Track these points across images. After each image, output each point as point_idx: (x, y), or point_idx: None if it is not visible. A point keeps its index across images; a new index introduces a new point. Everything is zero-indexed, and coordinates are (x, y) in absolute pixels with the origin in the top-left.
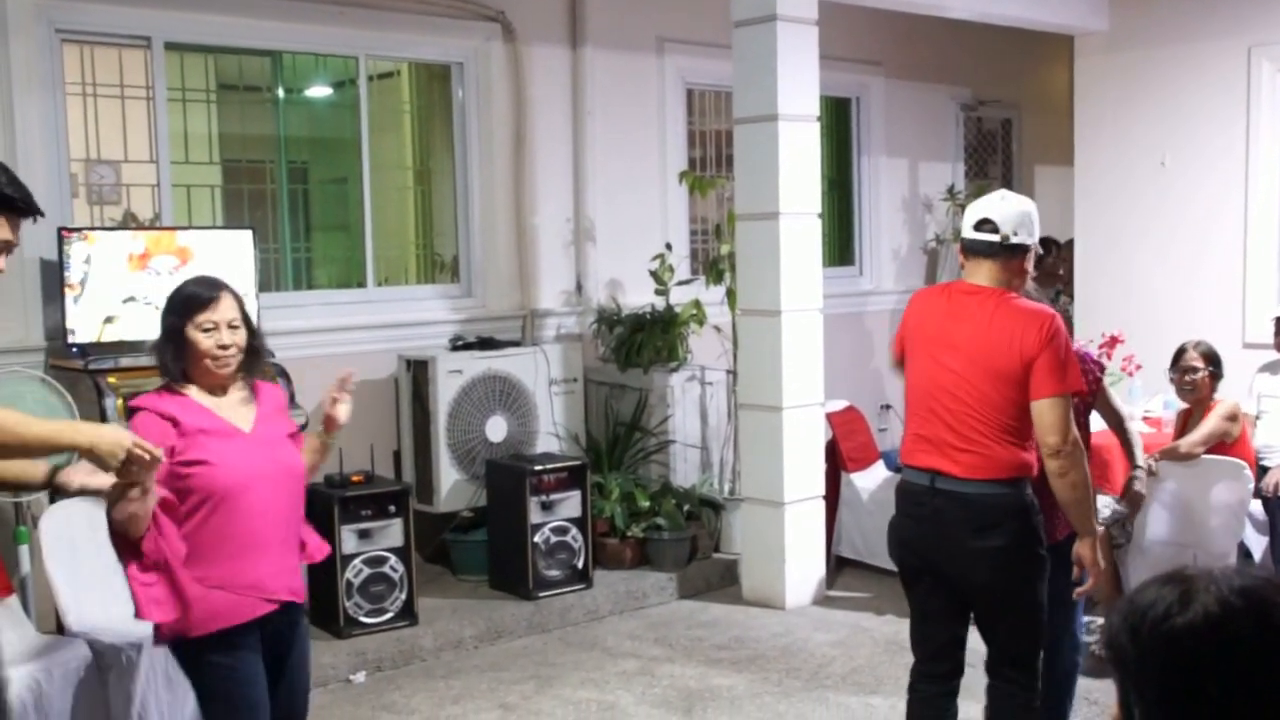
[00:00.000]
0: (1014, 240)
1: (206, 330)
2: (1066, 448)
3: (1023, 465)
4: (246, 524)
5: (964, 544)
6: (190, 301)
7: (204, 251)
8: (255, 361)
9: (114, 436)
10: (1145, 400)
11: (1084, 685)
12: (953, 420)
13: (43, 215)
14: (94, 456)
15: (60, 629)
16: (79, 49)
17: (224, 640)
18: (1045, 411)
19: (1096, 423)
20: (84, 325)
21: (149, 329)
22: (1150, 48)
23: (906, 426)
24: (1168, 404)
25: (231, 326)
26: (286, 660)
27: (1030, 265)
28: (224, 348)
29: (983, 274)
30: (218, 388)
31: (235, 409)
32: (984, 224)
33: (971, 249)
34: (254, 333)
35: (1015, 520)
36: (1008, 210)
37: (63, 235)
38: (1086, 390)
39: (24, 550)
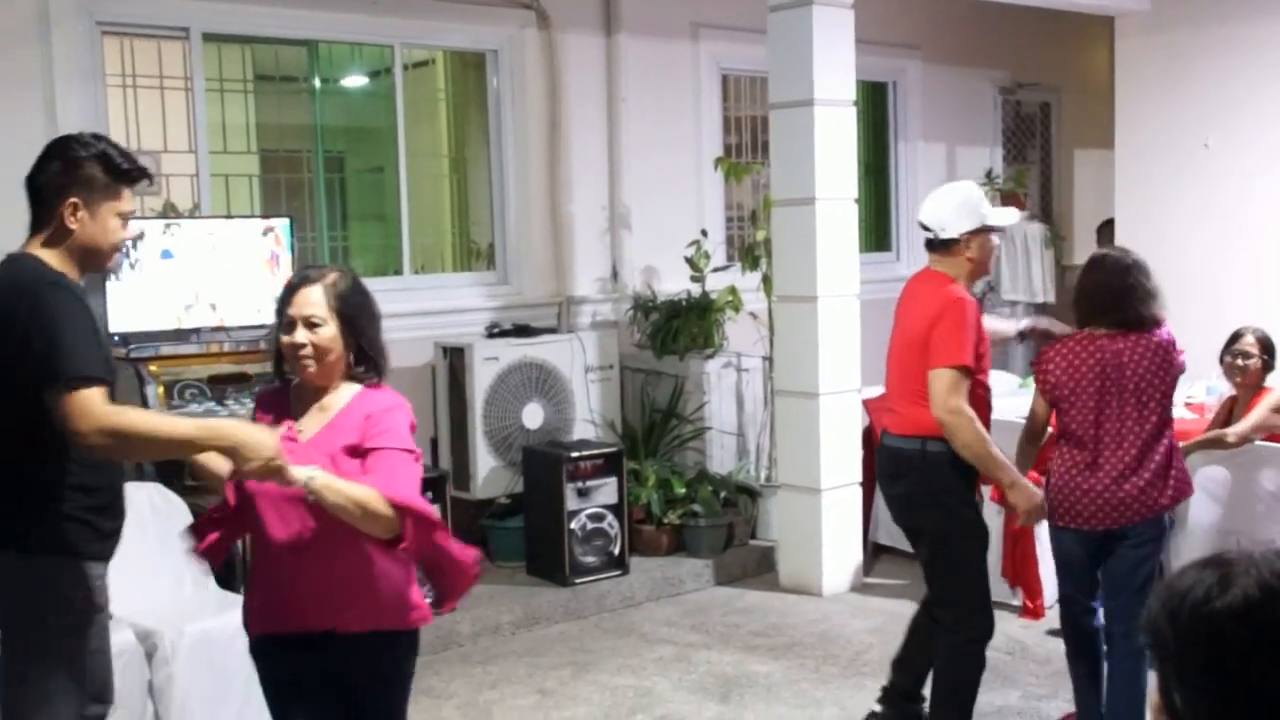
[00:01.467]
0: (944, 236)
1: (286, 326)
2: (945, 415)
3: (924, 422)
4: (265, 538)
5: (885, 491)
6: (282, 293)
7: (240, 240)
8: (363, 364)
9: (259, 439)
10: (1187, 386)
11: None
12: (889, 386)
13: (153, 180)
14: (232, 454)
15: None
16: (119, 41)
17: (260, 645)
18: (931, 381)
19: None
20: (124, 314)
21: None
22: (1192, 28)
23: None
24: (1210, 389)
25: (310, 324)
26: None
27: (970, 248)
28: (297, 347)
29: (932, 264)
30: (318, 388)
31: (314, 414)
32: (922, 225)
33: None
34: (358, 331)
35: (916, 472)
36: (935, 209)
37: None
38: (976, 369)
39: None
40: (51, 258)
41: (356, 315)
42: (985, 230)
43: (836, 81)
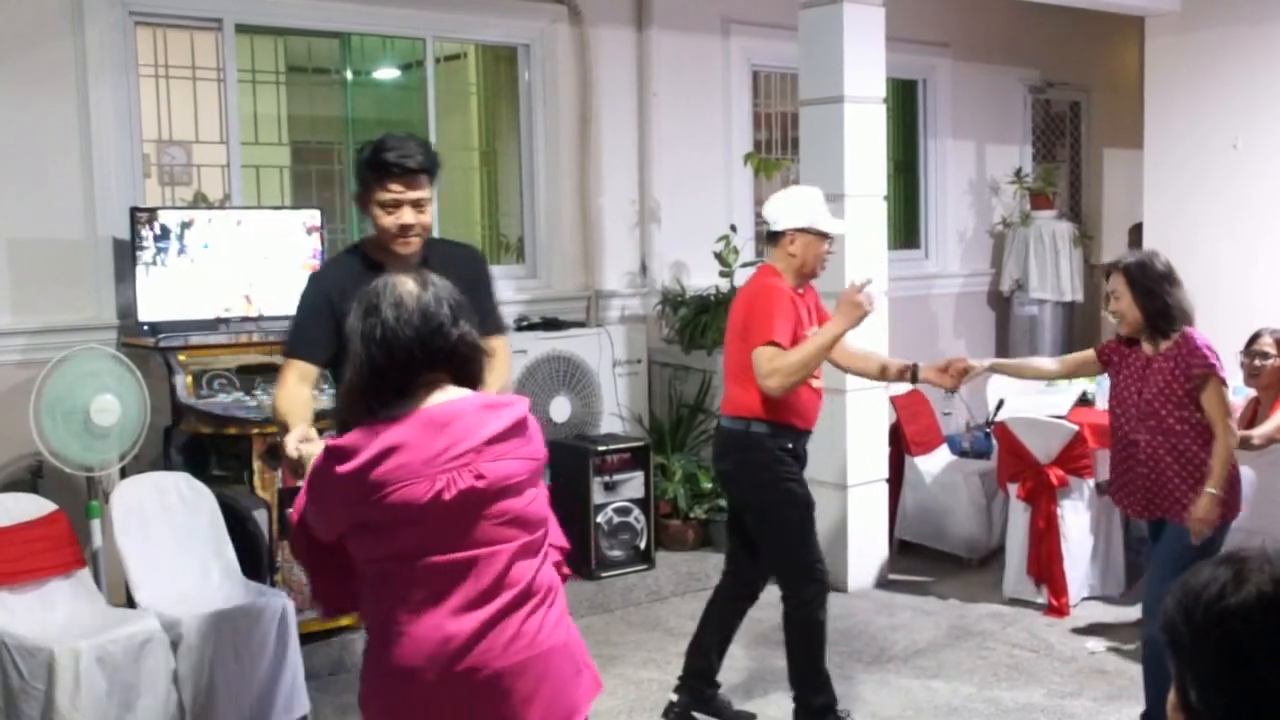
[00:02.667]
0: (772, 229)
1: None
2: (767, 381)
3: (747, 404)
4: None
5: (714, 469)
6: None
7: (272, 231)
8: None
9: None
10: None
11: None
12: (723, 372)
13: (403, 169)
14: None
15: (130, 602)
16: (152, 31)
17: None
18: (753, 360)
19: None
20: (153, 303)
21: (217, 306)
22: (1223, 27)
23: None
24: (1236, 390)
25: None
26: None
27: (794, 245)
28: None
29: (765, 256)
30: None
31: None
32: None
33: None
34: None
35: (740, 451)
36: (771, 203)
37: (135, 215)
38: (783, 343)
39: (95, 524)
40: (370, 244)
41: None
42: (810, 232)
43: (867, 78)
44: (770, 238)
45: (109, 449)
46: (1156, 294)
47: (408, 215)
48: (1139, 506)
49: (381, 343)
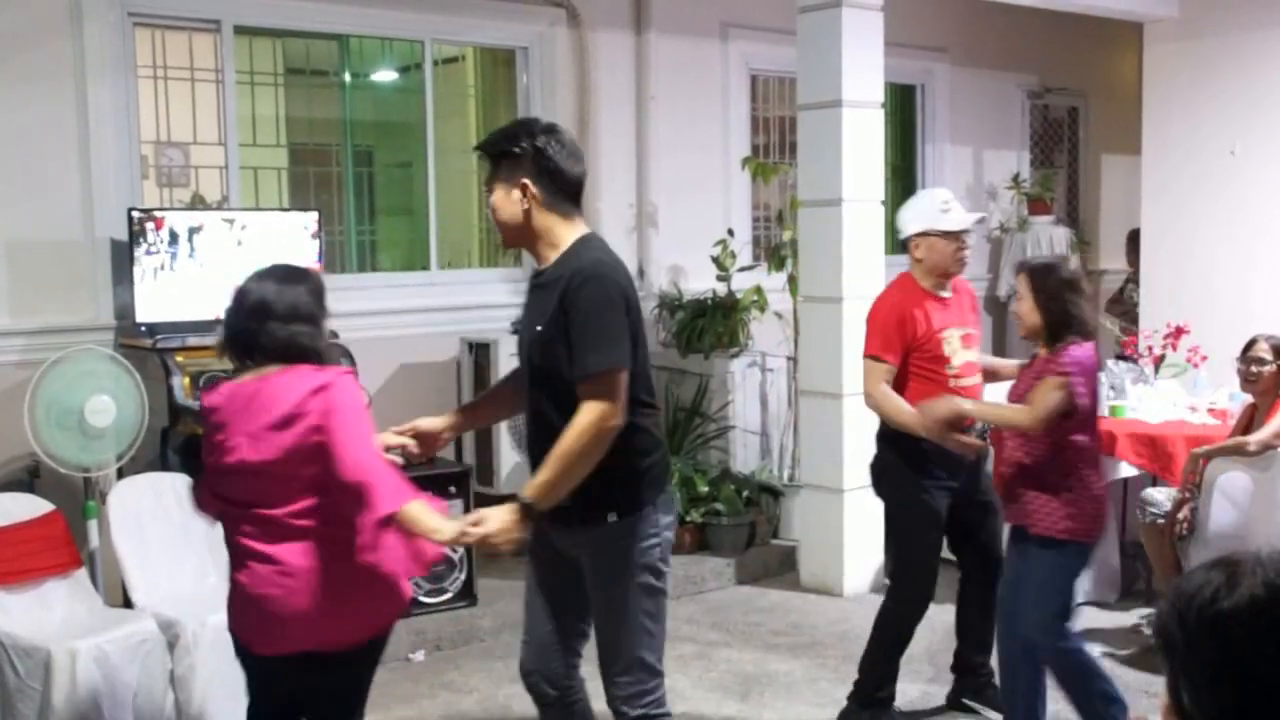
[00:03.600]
0: (900, 238)
1: None
2: (866, 401)
3: None
4: None
5: None
6: None
7: (270, 233)
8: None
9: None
10: (1211, 392)
11: (1142, 679)
12: None
13: (488, 150)
14: None
15: (127, 602)
16: (150, 32)
17: None
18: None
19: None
20: (151, 304)
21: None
22: (1221, 35)
23: None
24: (1233, 396)
25: None
26: None
27: (919, 250)
28: None
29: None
30: None
31: None
32: None
33: None
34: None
35: (876, 453)
36: (899, 215)
37: (133, 216)
38: (883, 356)
39: (92, 525)
40: None
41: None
42: (932, 234)
43: (865, 83)
44: (903, 247)
45: (104, 450)
46: (1058, 301)
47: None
48: (1006, 509)
49: None
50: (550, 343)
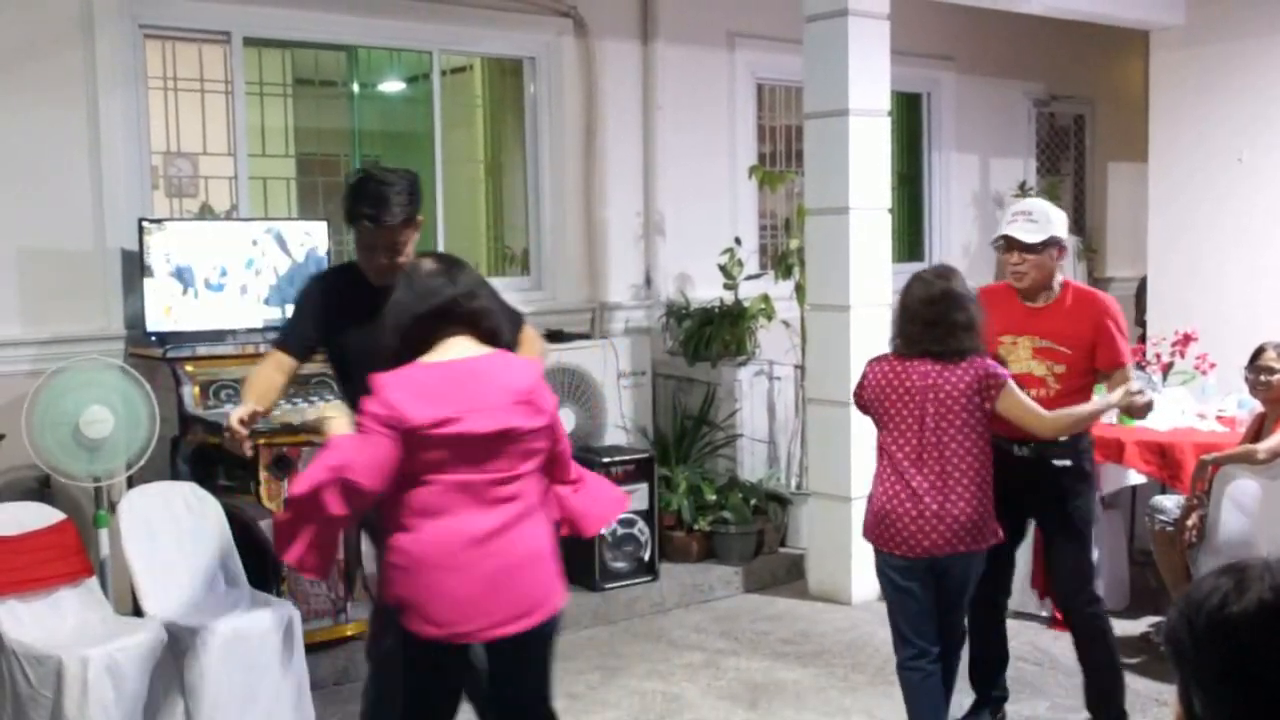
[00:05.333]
0: None
1: None
2: None
3: None
4: None
5: None
6: None
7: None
8: None
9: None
10: (1219, 399)
11: (1153, 687)
12: None
13: (400, 220)
14: None
15: (137, 611)
16: (161, 44)
17: None
18: None
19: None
20: (161, 314)
21: (225, 317)
22: (1228, 42)
23: None
24: (1242, 403)
25: None
26: None
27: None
28: None
29: None
30: None
31: None
32: None
33: None
34: None
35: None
36: None
37: (142, 225)
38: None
39: (103, 533)
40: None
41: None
42: (996, 247)
43: (871, 91)
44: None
45: (103, 461)
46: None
47: (382, 258)
48: None
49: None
50: None
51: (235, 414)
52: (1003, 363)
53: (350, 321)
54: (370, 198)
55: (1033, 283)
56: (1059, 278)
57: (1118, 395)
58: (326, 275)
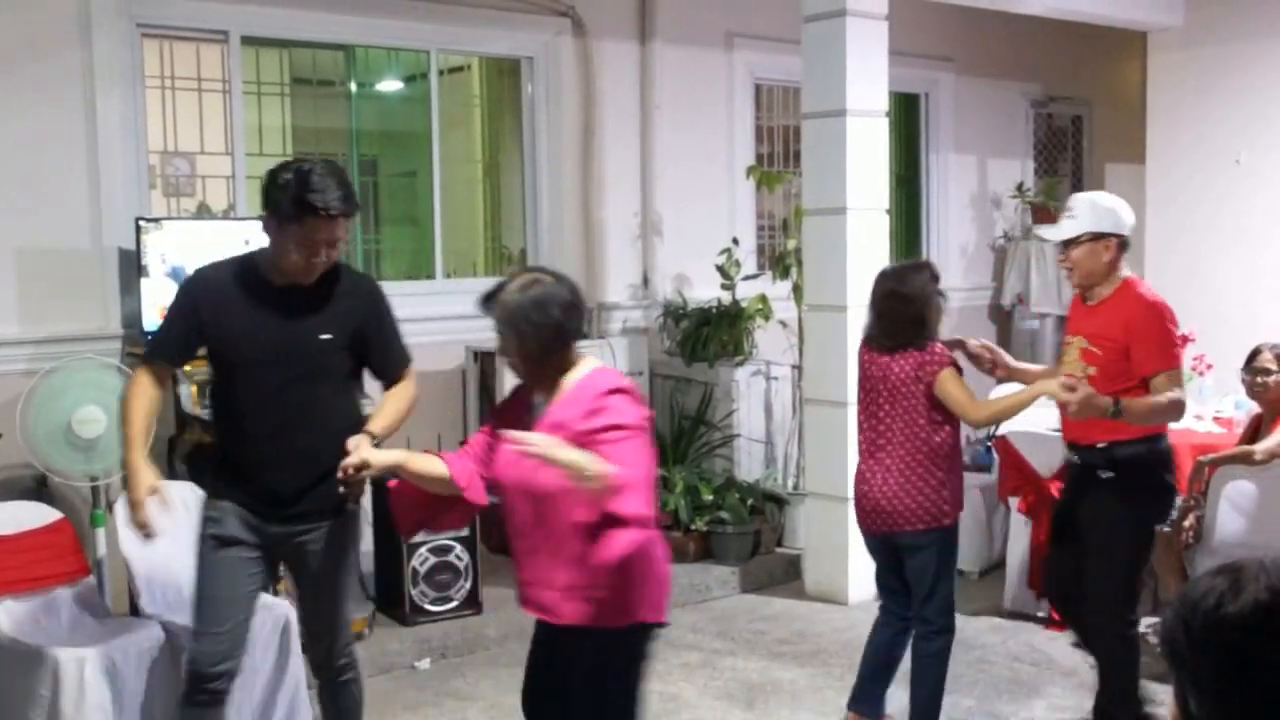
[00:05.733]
0: None
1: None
2: None
3: None
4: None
5: None
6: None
7: None
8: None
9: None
10: (1216, 400)
11: (1151, 689)
12: None
13: (348, 212)
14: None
15: (134, 610)
16: (158, 43)
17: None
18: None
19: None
20: (158, 313)
21: None
22: (1225, 44)
23: None
24: (1239, 404)
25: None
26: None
27: None
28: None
29: None
30: None
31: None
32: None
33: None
34: (527, 343)
35: None
36: None
37: (139, 225)
38: None
39: (100, 533)
40: (260, 257)
41: (510, 328)
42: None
43: (869, 92)
44: None
45: (94, 461)
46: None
47: (322, 255)
48: None
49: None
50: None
51: (142, 498)
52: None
53: (255, 325)
54: (321, 188)
55: (1082, 279)
56: (1121, 274)
57: (1051, 384)
58: (213, 275)
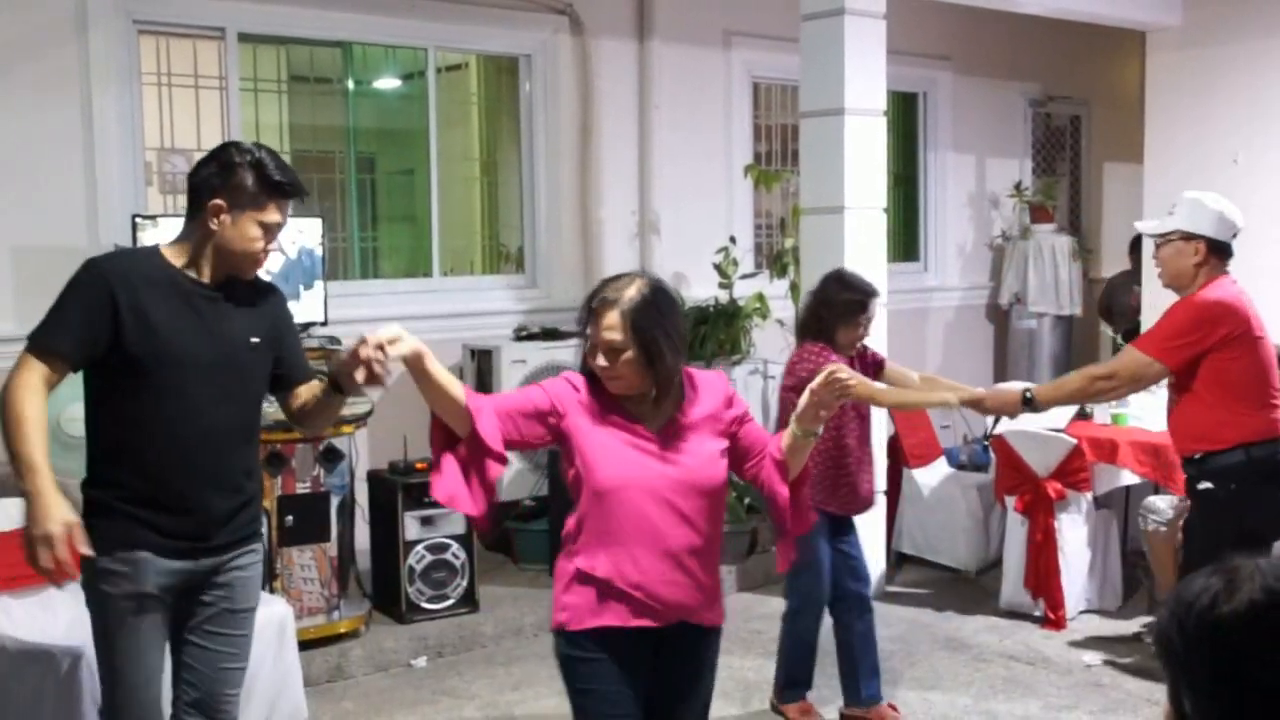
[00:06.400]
0: None
1: (590, 348)
2: None
3: None
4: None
5: None
6: (583, 311)
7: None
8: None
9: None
10: None
11: (1144, 687)
12: None
13: (307, 195)
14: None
15: None
16: (155, 40)
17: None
18: None
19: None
20: None
21: None
22: (1224, 43)
23: (1265, 403)
24: None
25: (611, 350)
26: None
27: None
28: (603, 369)
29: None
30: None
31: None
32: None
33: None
34: (656, 346)
35: None
36: None
37: (136, 222)
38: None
39: None
40: (172, 252)
41: (653, 331)
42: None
43: (867, 91)
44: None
45: (79, 458)
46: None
47: (270, 244)
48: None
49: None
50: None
51: (58, 533)
52: None
53: (186, 325)
54: (280, 168)
55: (1169, 279)
56: (1202, 275)
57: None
58: (126, 265)
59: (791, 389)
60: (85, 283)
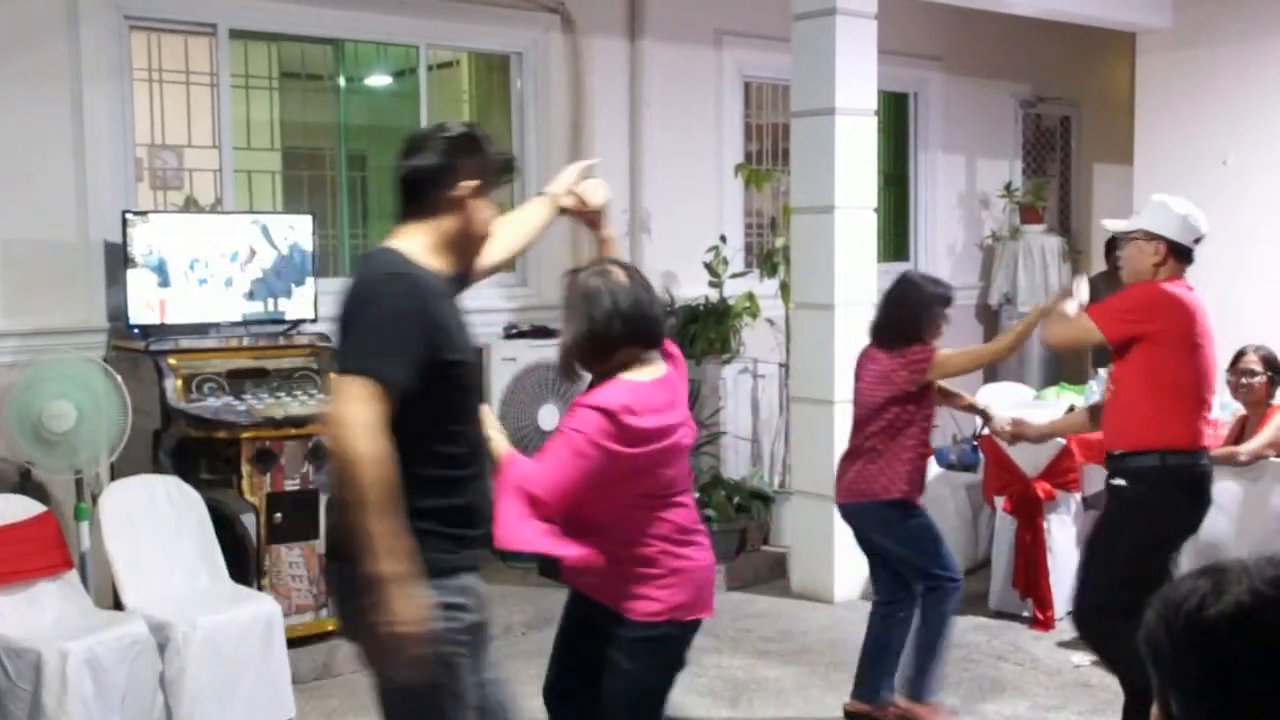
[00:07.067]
0: None
1: None
2: None
3: None
4: None
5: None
6: None
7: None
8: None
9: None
10: None
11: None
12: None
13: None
14: None
15: (118, 604)
16: (146, 36)
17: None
18: None
19: None
20: (144, 306)
21: (208, 310)
22: (1214, 45)
23: (1192, 412)
24: (1224, 405)
25: None
26: None
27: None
28: None
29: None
30: None
31: None
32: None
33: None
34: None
35: None
36: None
37: (126, 218)
38: None
39: (84, 526)
40: (415, 250)
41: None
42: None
43: (858, 91)
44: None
45: (61, 455)
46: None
47: None
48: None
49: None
50: None
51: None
52: None
53: (465, 326)
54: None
55: (1128, 277)
56: (1160, 275)
57: None
58: (417, 269)
59: (893, 400)
60: (408, 301)
